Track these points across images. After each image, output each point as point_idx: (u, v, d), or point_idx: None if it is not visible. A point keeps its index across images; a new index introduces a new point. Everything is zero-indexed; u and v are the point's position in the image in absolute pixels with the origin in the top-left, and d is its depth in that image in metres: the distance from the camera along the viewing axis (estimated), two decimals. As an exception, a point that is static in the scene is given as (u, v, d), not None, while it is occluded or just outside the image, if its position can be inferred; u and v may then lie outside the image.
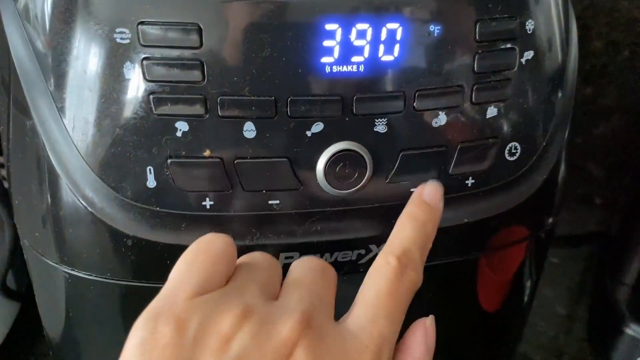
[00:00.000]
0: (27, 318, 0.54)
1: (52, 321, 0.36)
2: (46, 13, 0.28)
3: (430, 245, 0.28)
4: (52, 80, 0.28)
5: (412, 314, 0.31)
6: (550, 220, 0.37)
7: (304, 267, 0.27)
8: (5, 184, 0.37)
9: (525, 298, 0.41)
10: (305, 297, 0.25)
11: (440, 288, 0.35)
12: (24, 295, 0.52)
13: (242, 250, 0.30)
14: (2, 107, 0.32)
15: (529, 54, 0.30)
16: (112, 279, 0.31)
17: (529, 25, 0.30)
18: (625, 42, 0.75)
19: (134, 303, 0.32)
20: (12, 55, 0.29)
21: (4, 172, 0.42)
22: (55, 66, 0.28)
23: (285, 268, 0.31)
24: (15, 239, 0.38)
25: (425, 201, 0.29)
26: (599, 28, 0.73)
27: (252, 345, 0.22)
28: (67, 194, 0.29)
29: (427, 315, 0.28)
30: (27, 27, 0.29)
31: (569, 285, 0.68)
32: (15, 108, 0.30)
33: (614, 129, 0.80)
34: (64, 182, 0.29)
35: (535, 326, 0.61)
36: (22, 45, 0.29)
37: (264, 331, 0.22)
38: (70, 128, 0.28)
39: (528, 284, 0.40)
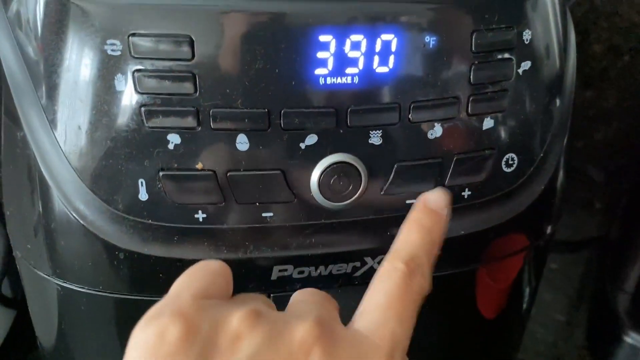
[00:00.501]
0: (23, 325, 0.54)
1: (45, 331, 0.36)
2: (38, 24, 0.27)
3: (436, 252, 0.28)
4: (43, 91, 0.28)
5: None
6: (549, 229, 0.36)
7: (306, 293, 0.27)
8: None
9: (524, 306, 0.41)
10: (314, 308, 0.24)
11: (438, 299, 0.35)
12: (20, 303, 0.52)
13: (236, 264, 0.29)
14: (-7, 117, 0.32)
15: (526, 64, 0.30)
16: (104, 292, 0.30)
17: (526, 35, 0.30)
18: (626, 47, 0.75)
19: (126, 315, 0.32)
20: (3, 65, 0.29)
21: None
22: (46, 77, 0.27)
23: (280, 281, 0.30)
24: (9, 248, 0.38)
25: (430, 208, 0.29)
26: (599, 32, 0.73)
27: (266, 346, 0.21)
28: (59, 206, 0.29)
29: (426, 326, 0.28)
30: (19, 36, 0.29)
31: (568, 291, 0.68)
32: (6, 118, 0.30)
33: (614, 133, 0.79)
34: (55, 194, 0.28)
35: (535, 333, 0.60)
36: (13, 55, 0.29)
37: (277, 333, 0.22)
38: (61, 140, 0.28)
39: (527, 292, 0.40)
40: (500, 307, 0.39)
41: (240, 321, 0.22)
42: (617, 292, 0.58)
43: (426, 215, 0.28)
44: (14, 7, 0.29)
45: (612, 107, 0.78)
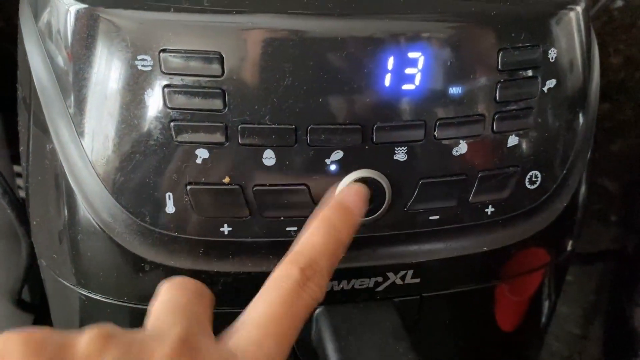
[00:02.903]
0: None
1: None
2: (68, 38, 0.28)
3: (341, 255, 0.25)
4: (72, 105, 0.28)
5: (430, 341, 0.31)
6: (570, 245, 0.36)
7: (175, 286, 0.24)
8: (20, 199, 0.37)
9: (543, 321, 0.41)
10: (177, 320, 0.22)
11: (459, 314, 0.35)
12: (38, 307, 0.53)
13: (259, 277, 0.30)
14: (22, 127, 0.32)
15: (551, 82, 0.30)
16: (128, 303, 0.31)
17: (552, 53, 0.30)
18: (644, 59, 0.74)
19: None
20: (33, 76, 0.30)
21: (20, 188, 0.42)
22: (76, 91, 0.28)
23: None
24: (32, 256, 0.39)
25: (345, 205, 0.26)
26: (617, 45, 0.73)
27: None
28: (85, 218, 0.29)
29: (442, 345, 0.28)
30: (49, 47, 0.29)
31: (583, 304, 0.67)
32: (35, 129, 0.31)
33: (631, 145, 0.79)
34: (82, 206, 0.29)
35: (550, 346, 0.60)
36: (43, 67, 0.29)
37: (131, 357, 0.20)
38: (90, 152, 0.28)
39: (546, 308, 0.40)
40: (519, 321, 0.39)
41: (87, 345, 0.19)
42: (634, 307, 0.58)
43: (339, 214, 0.26)
44: (44, 17, 0.29)
45: (629, 119, 0.77)
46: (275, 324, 0.22)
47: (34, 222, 0.33)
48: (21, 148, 0.33)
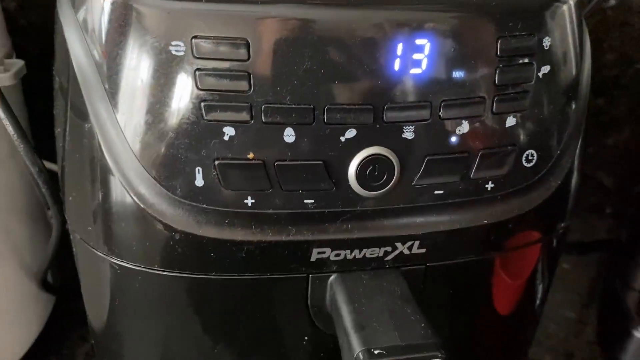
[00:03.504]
0: (62, 311, 0.57)
1: (97, 312, 0.39)
2: (103, 27, 0.30)
3: None
4: (110, 88, 0.31)
5: (432, 313, 0.33)
6: (563, 224, 0.39)
7: None
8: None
9: (538, 300, 0.43)
10: None
11: (460, 286, 0.38)
12: (60, 289, 0.55)
13: (279, 245, 0.32)
14: (60, 111, 0.35)
15: (545, 69, 0.33)
16: (158, 270, 0.33)
17: (546, 41, 0.33)
18: (637, 55, 0.77)
19: (176, 292, 0.35)
20: (73, 62, 0.32)
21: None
22: (114, 74, 0.30)
23: (318, 263, 0.33)
24: (62, 235, 0.41)
25: None
26: (611, 41, 0.75)
27: None
28: (121, 192, 0.32)
29: (445, 316, 0.29)
30: (87, 36, 0.32)
31: (579, 290, 0.70)
32: (73, 112, 0.33)
33: (625, 140, 0.82)
34: (118, 181, 0.31)
35: (546, 329, 0.63)
36: (83, 52, 0.32)
37: None
38: (126, 131, 0.31)
39: (540, 286, 0.42)
40: (515, 300, 0.41)
41: None
42: (627, 290, 0.60)
43: None
44: (82, 8, 0.32)
45: (623, 114, 0.80)
46: None
47: (69, 198, 0.35)
48: (57, 130, 0.36)
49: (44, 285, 0.50)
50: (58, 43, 0.35)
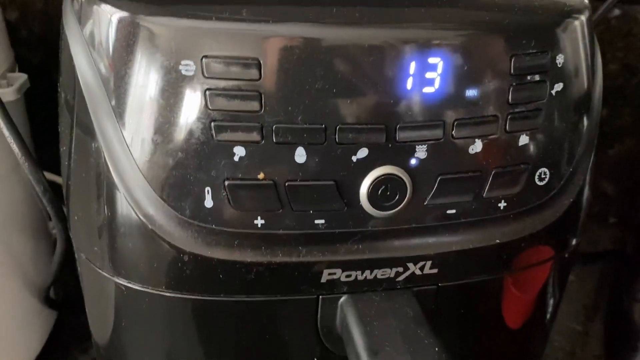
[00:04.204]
0: (64, 325, 0.56)
1: (103, 332, 0.38)
2: (111, 44, 0.30)
3: None
4: (117, 106, 0.30)
5: (444, 331, 0.33)
6: (575, 240, 0.39)
7: None
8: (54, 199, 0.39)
9: (548, 316, 0.43)
10: None
11: (472, 305, 0.37)
12: (62, 304, 0.55)
13: (289, 267, 0.32)
14: (65, 128, 0.34)
15: (558, 86, 0.32)
16: (166, 292, 0.33)
17: (559, 59, 0.32)
18: (640, 66, 0.77)
19: (184, 314, 0.34)
20: (79, 79, 0.32)
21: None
22: (121, 93, 0.30)
23: (328, 284, 0.33)
24: (66, 253, 0.41)
25: None
26: (615, 51, 0.75)
27: None
28: (128, 212, 0.31)
29: (456, 334, 0.29)
30: (94, 53, 0.31)
31: (585, 302, 0.70)
32: (79, 130, 0.33)
33: (628, 149, 0.81)
34: (125, 200, 0.31)
35: (552, 342, 0.62)
36: (89, 69, 0.31)
37: None
38: (134, 150, 0.30)
39: (551, 302, 0.42)
40: (525, 317, 0.41)
41: None
42: (633, 302, 0.60)
43: None
44: (89, 24, 0.32)
45: (627, 124, 0.80)
46: None
47: (75, 218, 0.35)
48: (62, 148, 0.35)
49: (47, 301, 0.50)
50: (64, 59, 0.34)
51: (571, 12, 0.33)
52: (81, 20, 0.32)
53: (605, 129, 0.76)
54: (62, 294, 0.56)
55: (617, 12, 0.72)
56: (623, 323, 0.59)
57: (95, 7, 0.30)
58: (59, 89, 0.36)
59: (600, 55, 0.69)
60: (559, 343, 0.62)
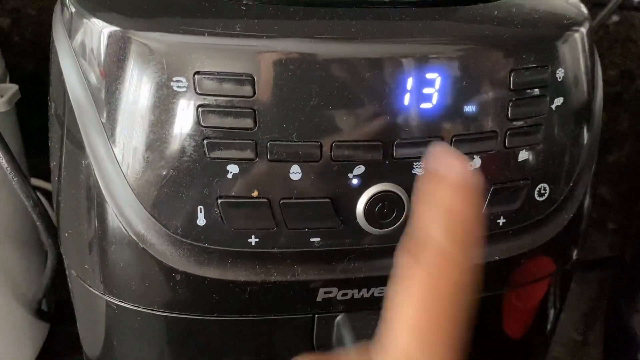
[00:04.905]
0: (57, 336, 0.55)
1: (94, 348, 0.37)
2: (101, 59, 0.29)
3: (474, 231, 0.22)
4: (107, 122, 0.29)
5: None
6: (575, 254, 0.38)
7: None
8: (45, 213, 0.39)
9: (549, 328, 0.42)
10: None
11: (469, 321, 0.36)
12: (54, 316, 0.54)
13: (283, 286, 0.31)
14: (55, 143, 0.34)
15: (558, 100, 0.32)
16: (158, 311, 0.32)
17: (559, 73, 0.31)
18: (638, 72, 0.77)
19: (176, 334, 0.33)
20: (69, 95, 0.31)
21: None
22: (112, 109, 0.29)
23: (324, 303, 0.32)
24: (57, 267, 0.40)
25: (456, 185, 0.22)
26: (614, 58, 0.75)
27: None
28: (119, 230, 0.30)
29: None
30: (83, 67, 0.30)
31: (583, 310, 0.69)
32: (69, 144, 0.32)
33: (627, 156, 0.81)
34: (116, 219, 0.30)
35: (551, 351, 0.62)
36: (79, 84, 0.31)
37: None
38: (125, 167, 0.29)
39: (551, 315, 0.41)
40: (527, 328, 0.40)
41: None
42: (633, 312, 0.59)
43: (454, 196, 0.22)
44: (78, 38, 0.31)
45: (625, 130, 0.79)
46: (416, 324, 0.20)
47: (65, 235, 0.34)
48: (53, 163, 0.34)
49: (38, 313, 0.49)
50: (53, 71, 0.33)
51: (571, 25, 0.32)
52: (71, 33, 0.31)
53: (604, 135, 0.76)
54: (55, 306, 0.55)
55: (615, 18, 0.71)
56: (623, 333, 0.58)
57: (85, 20, 0.30)
58: (49, 101, 0.35)
59: (600, 61, 0.68)
60: (557, 353, 0.62)
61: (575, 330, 0.66)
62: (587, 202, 0.36)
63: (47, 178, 0.45)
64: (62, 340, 0.56)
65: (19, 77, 0.48)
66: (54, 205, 0.35)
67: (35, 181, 0.55)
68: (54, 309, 0.55)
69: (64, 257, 0.36)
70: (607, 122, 0.76)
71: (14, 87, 0.42)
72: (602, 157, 0.77)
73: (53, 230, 0.38)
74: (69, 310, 0.39)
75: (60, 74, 0.32)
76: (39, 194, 0.53)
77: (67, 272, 0.36)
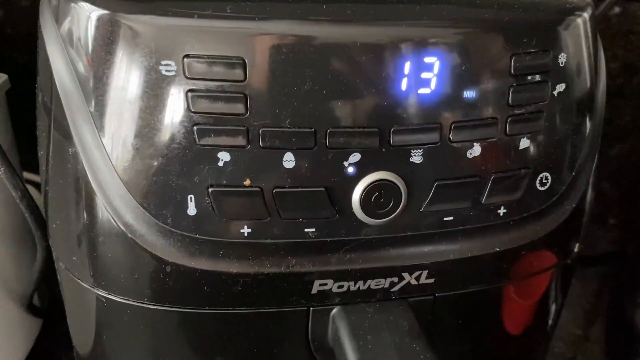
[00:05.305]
0: (50, 333, 0.54)
1: (84, 343, 0.36)
2: (89, 44, 0.28)
3: None
4: (95, 109, 0.28)
5: (442, 341, 0.31)
6: (578, 246, 0.37)
7: None
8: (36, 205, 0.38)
9: (551, 321, 0.42)
10: None
11: (470, 315, 0.36)
12: (47, 312, 0.53)
13: (277, 278, 0.30)
14: (43, 132, 0.33)
15: (561, 87, 0.31)
16: (148, 304, 0.31)
17: (561, 58, 0.31)
18: (641, 64, 0.75)
19: (167, 327, 0.32)
20: (56, 82, 0.30)
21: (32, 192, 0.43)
22: (99, 95, 0.28)
23: (319, 295, 0.31)
24: (47, 260, 0.39)
25: None
26: (616, 50, 0.74)
27: None
28: (108, 220, 0.29)
29: (454, 346, 0.28)
30: (70, 53, 0.30)
31: (585, 306, 0.68)
32: (56, 133, 0.31)
33: (629, 150, 0.80)
34: (104, 209, 0.29)
35: (552, 347, 0.61)
36: (66, 71, 0.30)
37: None
38: (113, 156, 0.28)
39: (553, 311, 0.40)
40: (528, 321, 0.40)
41: None
42: (635, 307, 0.59)
43: None
44: (66, 23, 0.30)
45: (627, 124, 0.79)
46: None
47: (53, 226, 0.33)
48: (40, 152, 0.33)
49: (30, 308, 0.48)
50: (41, 59, 0.33)
51: (574, 10, 0.31)
52: (58, 18, 0.30)
53: (606, 129, 0.75)
54: (48, 301, 0.54)
55: (617, 10, 0.70)
56: (625, 329, 0.58)
57: (72, 4, 0.29)
58: (36, 89, 0.34)
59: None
60: (558, 349, 0.61)
61: (576, 325, 0.65)
62: (589, 192, 0.35)
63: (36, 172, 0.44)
64: (56, 337, 0.55)
65: (11, 69, 0.47)
66: (42, 195, 0.34)
67: (27, 175, 0.54)
68: (48, 306, 0.54)
69: (52, 249, 0.35)
70: (608, 115, 0.75)
71: (2, 77, 0.41)
72: (604, 152, 0.76)
73: (42, 223, 0.37)
74: (63, 306, 0.38)
75: (48, 61, 0.31)
76: (31, 187, 0.53)
77: (55, 265, 0.35)
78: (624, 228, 0.79)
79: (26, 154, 0.49)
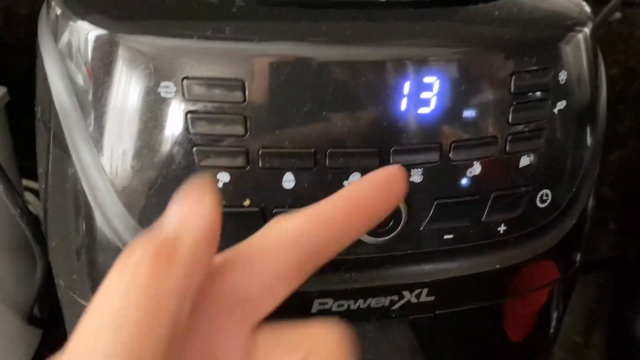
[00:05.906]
0: (50, 342, 0.54)
1: None
2: (88, 63, 0.28)
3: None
4: (93, 129, 0.28)
5: (442, 358, 0.31)
6: (578, 260, 0.37)
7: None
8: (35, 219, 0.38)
9: (551, 334, 0.41)
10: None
11: (470, 331, 0.35)
12: (47, 323, 0.53)
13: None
14: (41, 149, 0.33)
15: (561, 104, 0.31)
16: (148, 323, 0.31)
17: (562, 75, 0.30)
18: (642, 69, 0.75)
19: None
20: (55, 102, 0.30)
21: (29, 203, 0.43)
22: (97, 116, 0.28)
23: (319, 314, 0.31)
24: (47, 275, 0.39)
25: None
26: (616, 55, 0.74)
27: None
28: (107, 240, 0.29)
29: (454, 359, 0.28)
30: (69, 71, 0.29)
31: (585, 312, 0.68)
32: (55, 151, 0.31)
33: (630, 154, 0.80)
34: (104, 228, 0.29)
35: (553, 355, 0.61)
36: (64, 89, 0.30)
37: None
38: (112, 176, 0.28)
39: (554, 321, 0.40)
40: (528, 335, 0.39)
41: None
42: (637, 314, 0.58)
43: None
44: (64, 41, 0.30)
45: (628, 128, 0.78)
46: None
47: (53, 244, 0.33)
48: (39, 170, 0.33)
49: (31, 319, 0.48)
50: (39, 77, 0.32)
51: (574, 25, 0.31)
52: (56, 36, 0.30)
53: (606, 133, 0.75)
54: (48, 312, 0.54)
55: (618, 15, 0.70)
56: (625, 336, 0.57)
57: (71, 22, 0.29)
58: (35, 105, 0.34)
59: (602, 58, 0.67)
60: (558, 356, 0.61)
61: (577, 333, 0.65)
62: (590, 207, 0.35)
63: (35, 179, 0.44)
64: (56, 346, 0.55)
65: (10, 77, 0.47)
66: (42, 212, 0.34)
67: (26, 182, 0.54)
68: (48, 315, 0.54)
69: (52, 266, 0.35)
70: (609, 120, 0.75)
71: (1, 90, 0.41)
72: (604, 156, 0.76)
73: (42, 238, 0.37)
74: (62, 315, 0.38)
75: (46, 79, 0.31)
76: (30, 194, 0.52)
77: (55, 282, 0.35)
78: (624, 233, 0.79)
79: (26, 161, 0.49)
